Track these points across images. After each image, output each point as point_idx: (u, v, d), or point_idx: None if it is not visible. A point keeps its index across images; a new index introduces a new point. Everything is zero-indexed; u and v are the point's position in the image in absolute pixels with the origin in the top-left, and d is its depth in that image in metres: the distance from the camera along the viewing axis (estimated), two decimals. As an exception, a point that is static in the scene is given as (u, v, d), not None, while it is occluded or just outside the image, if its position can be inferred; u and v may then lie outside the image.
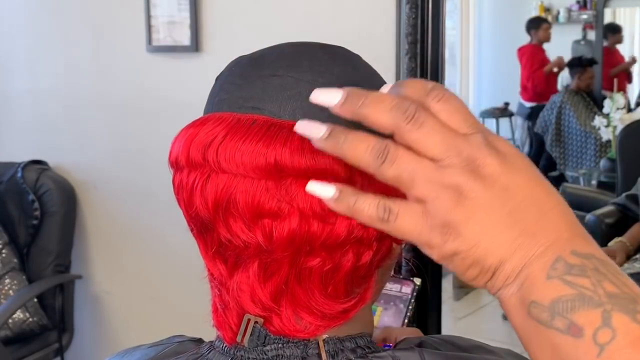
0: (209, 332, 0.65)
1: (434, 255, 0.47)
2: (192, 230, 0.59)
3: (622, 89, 4.73)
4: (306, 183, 0.52)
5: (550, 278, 0.43)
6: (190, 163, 0.55)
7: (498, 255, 0.45)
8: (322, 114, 0.54)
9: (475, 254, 0.45)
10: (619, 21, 5.51)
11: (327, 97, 0.48)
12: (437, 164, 0.45)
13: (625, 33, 5.42)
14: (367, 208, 0.47)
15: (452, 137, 0.45)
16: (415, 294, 1.16)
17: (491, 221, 0.45)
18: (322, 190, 0.50)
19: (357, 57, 0.61)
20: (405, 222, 0.46)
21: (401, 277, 1.18)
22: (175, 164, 0.57)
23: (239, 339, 0.57)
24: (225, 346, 0.60)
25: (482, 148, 0.45)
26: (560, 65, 5.15)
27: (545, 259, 0.44)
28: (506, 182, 0.45)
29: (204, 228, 0.57)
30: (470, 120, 0.46)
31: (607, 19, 5.51)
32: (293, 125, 0.53)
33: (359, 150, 0.46)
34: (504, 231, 0.45)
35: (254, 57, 0.60)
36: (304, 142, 0.53)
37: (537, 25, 5.16)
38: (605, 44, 5.30)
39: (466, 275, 0.47)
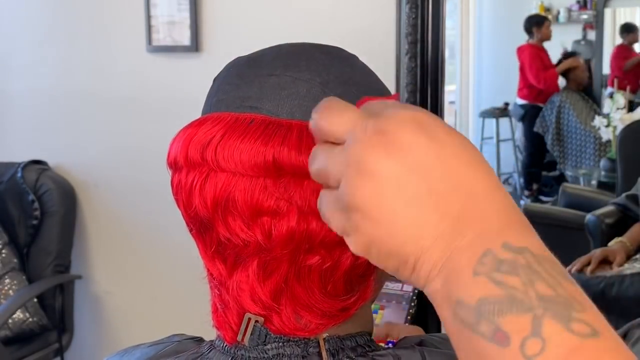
0: (209, 332, 0.65)
1: (352, 246, 0.41)
2: (191, 230, 0.59)
3: (635, 88, 4.73)
4: (304, 181, 0.53)
5: (477, 275, 0.37)
6: (188, 163, 0.56)
7: (416, 242, 0.39)
8: None
9: (390, 241, 0.39)
10: (619, 21, 5.52)
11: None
12: (345, 145, 0.41)
13: (626, 33, 5.42)
14: (318, 203, 0.45)
15: (360, 115, 0.41)
16: (416, 291, 1.16)
17: (404, 200, 0.39)
18: None
19: (354, 57, 0.61)
20: (323, 209, 0.43)
21: None
22: (173, 165, 0.57)
23: (239, 338, 0.57)
24: (226, 345, 0.60)
25: (394, 120, 0.40)
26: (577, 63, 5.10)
27: (472, 252, 0.38)
28: (424, 155, 0.39)
29: (203, 228, 0.57)
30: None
31: (607, 19, 5.52)
32: (291, 123, 0.53)
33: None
34: (421, 212, 0.39)
35: (252, 57, 0.60)
36: (302, 140, 0.53)
37: (540, 23, 5.14)
38: (621, 42, 5.30)
39: (388, 268, 0.41)
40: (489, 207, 0.39)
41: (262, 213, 0.54)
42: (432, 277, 0.39)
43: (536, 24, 5.12)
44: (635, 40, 5.28)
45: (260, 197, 0.53)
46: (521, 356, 0.35)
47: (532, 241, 0.39)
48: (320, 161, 0.43)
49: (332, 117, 0.42)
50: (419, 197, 0.39)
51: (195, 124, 0.57)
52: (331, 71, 0.57)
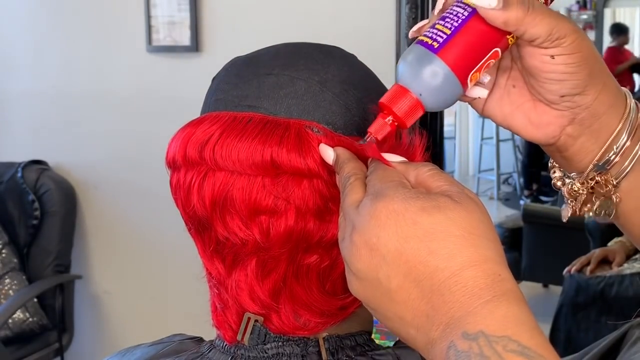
0: (208, 332, 0.65)
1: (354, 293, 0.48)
2: (189, 229, 0.59)
3: (632, 88, 4.72)
4: (302, 180, 0.53)
5: None
6: (187, 162, 0.56)
7: (405, 332, 0.44)
8: (318, 112, 0.54)
9: (383, 320, 0.46)
10: (619, 21, 5.51)
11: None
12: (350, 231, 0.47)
13: (626, 33, 5.41)
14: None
15: (350, 206, 0.48)
16: None
17: (382, 297, 0.45)
18: None
19: (352, 57, 0.61)
20: (342, 251, 0.48)
21: None
22: (172, 164, 0.57)
23: (239, 337, 0.57)
24: (226, 345, 0.60)
25: (364, 223, 0.45)
26: None
27: (441, 345, 0.42)
28: (394, 249, 0.44)
29: (201, 227, 0.57)
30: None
31: (607, 19, 5.52)
32: (289, 122, 0.53)
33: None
34: (400, 308, 0.44)
35: (250, 57, 0.60)
36: (300, 139, 0.53)
37: None
38: (613, 44, 5.30)
39: (387, 325, 0.47)
40: (450, 294, 0.42)
41: (260, 212, 0.54)
42: (425, 349, 0.44)
43: None
44: (626, 42, 5.27)
45: (259, 196, 0.53)
46: None
47: (489, 320, 0.41)
48: (345, 229, 0.48)
49: (344, 190, 0.49)
50: (393, 293, 0.44)
51: (194, 123, 0.57)
52: (329, 70, 0.57)
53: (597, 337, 0.72)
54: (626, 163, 0.55)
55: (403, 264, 0.43)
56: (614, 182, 0.55)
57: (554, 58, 0.51)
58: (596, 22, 5.52)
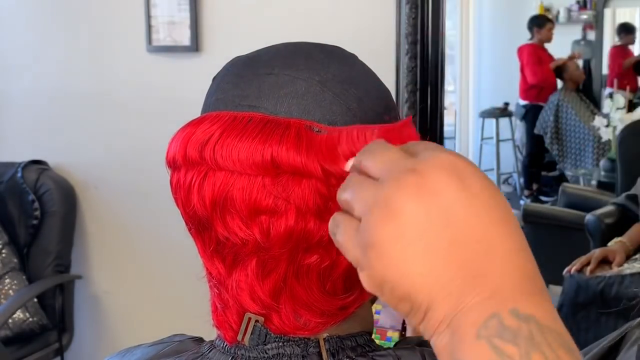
0: (208, 332, 0.65)
1: (364, 280, 0.41)
2: (189, 229, 0.59)
3: (634, 87, 4.73)
4: (302, 180, 0.53)
5: (479, 338, 0.37)
6: (187, 162, 0.56)
7: (429, 292, 0.39)
8: (318, 111, 0.54)
9: (404, 284, 0.39)
10: (619, 21, 5.52)
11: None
12: (379, 181, 0.41)
13: (626, 33, 5.42)
14: (329, 223, 0.45)
15: (397, 154, 0.42)
16: None
17: (424, 246, 0.39)
18: None
19: (353, 56, 0.61)
20: (342, 237, 0.43)
21: None
22: (172, 164, 0.57)
23: (239, 337, 0.57)
24: (226, 345, 0.60)
25: (430, 163, 0.40)
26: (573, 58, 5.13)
27: (479, 312, 0.38)
28: (453, 204, 0.39)
29: (201, 227, 0.57)
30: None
31: (607, 19, 5.52)
32: (289, 122, 0.53)
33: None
34: (438, 262, 0.39)
35: (250, 56, 0.60)
36: (300, 139, 0.53)
37: (542, 24, 5.15)
38: (618, 43, 5.30)
39: (399, 310, 0.41)
40: (506, 270, 0.39)
41: (261, 212, 0.54)
42: (439, 331, 0.39)
43: (537, 24, 5.13)
44: (632, 42, 5.28)
45: (259, 196, 0.53)
46: None
47: (542, 310, 0.39)
48: (351, 192, 0.43)
49: (374, 155, 0.43)
50: (439, 246, 0.39)
51: (194, 123, 0.57)
52: (330, 70, 0.57)
53: (597, 337, 0.72)
54: None
55: (482, 223, 0.39)
56: None
57: None
58: (596, 22, 5.52)
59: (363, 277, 0.41)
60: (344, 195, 0.43)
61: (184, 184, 0.56)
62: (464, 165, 0.41)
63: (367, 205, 0.41)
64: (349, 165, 0.51)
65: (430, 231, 0.39)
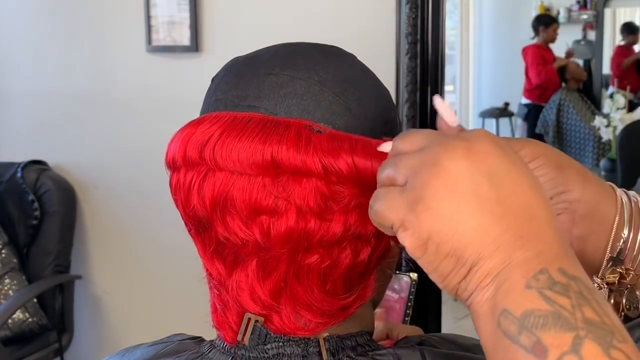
0: (208, 332, 0.65)
1: (407, 241, 0.42)
2: (189, 230, 0.59)
3: (635, 87, 4.73)
4: (302, 180, 0.53)
5: (529, 288, 0.38)
6: (187, 162, 0.56)
7: (479, 246, 0.40)
8: (318, 111, 0.54)
9: (452, 239, 0.40)
10: (619, 21, 5.52)
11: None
12: (421, 150, 0.43)
13: (626, 33, 5.42)
14: (372, 199, 0.45)
15: (435, 133, 0.45)
16: (413, 289, 1.16)
17: (474, 202, 0.40)
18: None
19: (351, 56, 0.61)
20: (382, 204, 0.43)
21: (397, 272, 1.18)
22: (172, 164, 0.57)
23: (239, 338, 0.57)
24: (226, 345, 0.60)
25: (475, 133, 0.43)
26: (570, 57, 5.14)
27: (528, 267, 0.39)
28: (499, 166, 0.41)
29: (201, 227, 0.57)
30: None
31: (607, 19, 5.52)
32: (289, 122, 0.53)
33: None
34: (488, 219, 0.40)
35: (249, 57, 0.60)
36: (300, 139, 0.53)
37: (548, 23, 5.16)
38: (622, 42, 5.31)
39: (440, 268, 0.41)
40: (548, 233, 0.41)
41: (261, 212, 0.54)
42: (483, 285, 0.40)
43: (544, 23, 5.14)
44: (636, 42, 5.28)
45: (259, 196, 0.53)
46: None
47: (584, 275, 0.40)
48: (393, 165, 0.44)
49: (411, 135, 0.45)
50: (489, 202, 0.40)
51: (193, 124, 0.56)
52: (329, 70, 0.57)
53: (598, 337, 0.72)
54: (634, 251, 0.55)
55: (524, 189, 0.41)
56: (636, 272, 0.55)
57: None
58: (596, 22, 5.52)
59: (406, 237, 0.42)
60: (385, 171, 0.44)
61: (184, 184, 0.56)
62: (501, 140, 0.43)
63: (413, 168, 0.42)
64: (385, 146, 0.51)
65: (481, 188, 0.40)
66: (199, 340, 0.67)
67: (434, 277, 0.43)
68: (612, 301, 0.56)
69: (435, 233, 0.40)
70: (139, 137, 2.22)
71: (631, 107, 3.98)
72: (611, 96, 4.13)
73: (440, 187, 0.40)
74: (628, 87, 4.34)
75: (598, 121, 3.86)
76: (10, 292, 2.23)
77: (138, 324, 2.34)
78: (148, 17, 2.12)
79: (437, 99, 0.52)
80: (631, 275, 0.55)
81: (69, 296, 2.32)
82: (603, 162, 3.90)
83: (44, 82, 2.39)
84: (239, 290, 0.56)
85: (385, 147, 0.50)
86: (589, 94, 5.16)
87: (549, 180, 0.53)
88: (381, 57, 1.72)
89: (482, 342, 0.41)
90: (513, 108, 5.44)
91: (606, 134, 3.75)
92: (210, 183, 0.55)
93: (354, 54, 0.62)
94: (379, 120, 0.57)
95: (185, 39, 2.07)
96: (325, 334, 0.57)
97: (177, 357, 0.63)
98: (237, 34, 2.00)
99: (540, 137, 4.93)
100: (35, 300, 2.23)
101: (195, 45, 2.05)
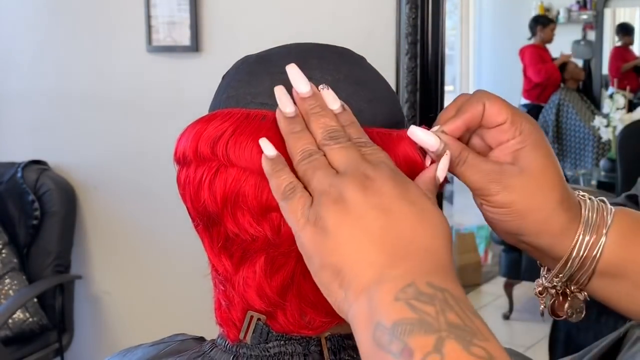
0: (209, 332, 0.65)
1: (300, 240, 0.49)
2: (197, 225, 0.59)
3: (634, 87, 4.74)
4: None
5: (397, 300, 0.42)
6: (198, 157, 0.55)
7: (353, 263, 0.45)
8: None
9: (335, 257, 0.46)
10: (619, 21, 5.52)
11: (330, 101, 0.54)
12: (339, 173, 0.49)
13: (626, 33, 5.42)
14: (282, 180, 0.51)
15: (357, 157, 0.50)
16: None
17: (358, 227, 0.46)
18: (266, 147, 0.53)
19: (362, 58, 0.61)
20: (295, 203, 0.49)
21: None
22: (182, 159, 0.57)
23: (241, 336, 0.57)
24: (228, 344, 0.60)
25: (381, 170, 0.49)
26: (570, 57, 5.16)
27: (398, 281, 0.43)
28: (391, 203, 0.47)
29: (210, 222, 0.57)
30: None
31: (607, 19, 5.53)
32: None
33: (297, 149, 0.52)
34: (368, 242, 0.46)
35: (261, 55, 0.60)
36: None
37: (546, 23, 5.16)
38: (619, 43, 5.32)
39: (320, 279, 0.48)
40: (425, 256, 0.45)
41: (272, 209, 0.54)
42: (358, 298, 0.44)
43: (541, 23, 5.14)
44: (631, 43, 5.29)
45: (271, 194, 0.53)
46: None
47: (454, 286, 0.44)
48: (314, 169, 0.50)
49: (346, 150, 0.51)
50: (372, 230, 0.46)
51: (205, 120, 0.56)
52: (342, 70, 0.57)
53: (597, 337, 0.72)
54: (582, 272, 0.58)
55: (411, 221, 0.47)
56: (576, 289, 0.60)
57: (488, 205, 0.58)
58: (596, 22, 5.52)
59: (299, 239, 0.49)
60: (305, 167, 0.51)
61: (194, 179, 0.56)
62: (410, 183, 0.49)
63: (324, 188, 0.49)
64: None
65: (367, 218, 0.46)
66: (200, 339, 0.67)
67: (317, 280, 0.48)
68: (554, 303, 0.61)
69: (321, 248, 0.47)
70: (139, 137, 2.22)
71: (631, 107, 3.98)
72: (611, 96, 4.13)
73: (333, 213, 0.47)
74: (628, 87, 4.35)
75: (598, 121, 3.86)
76: (10, 292, 2.23)
77: (138, 324, 2.34)
78: (148, 17, 2.12)
79: (411, 130, 0.56)
80: (573, 296, 0.60)
81: (69, 296, 2.32)
82: (603, 162, 3.90)
83: (44, 82, 2.39)
84: (245, 286, 0.56)
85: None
86: (589, 94, 5.16)
87: (516, 227, 0.57)
88: (381, 57, 1.72)
89: (360, 353, 0.44)
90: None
91: (606, 134, 3.75)
92: (222, 179, 0.55)
93: (362, 55, 0.62)
94: (388, 122, 0.57)
95: (185, 39, 2.07)
96: (327, 333, 0.58)
97: (178, 356, 0.63)
98: (237, 34, 2.00)
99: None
100: (35, 300, 2.23)
101: (195, 45, 2.05)
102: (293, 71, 0.54)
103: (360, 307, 0.44)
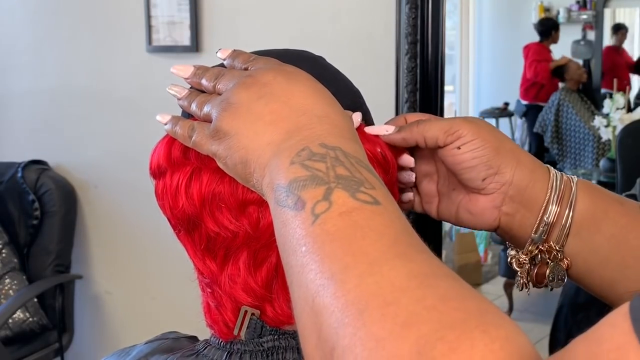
0: (208, 332, 0.65)
1: (217, 158, 0.53)
2: (178, 233, 0.61)
3: (622, 88, 4.73)
4: None
5: (292, 163, 0.47)
6: (172, 164, 0.58)
7: (254, 150, 0.50)
8: None
9: (240, 151, 0.51)
10: (619, 21, 5.52)
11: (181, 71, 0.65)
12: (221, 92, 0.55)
13: (626, 33, 5.42)
14: (181, 129, 0.57)
15: (239, 73, 0.56)
16: None
17: (251, 119, 0.51)
18: (162, 120, 0.63)
19: (321, 58, 0.65)
20: (199, 137, 0.54)
21: None
22: (157, 170, 0.60)
23: (235, 332, 0.58)
24: (221, 342, 0.60)
25: (259, 68, 0.55)
26: (566, 61, 5.18)
27: (292, 149, 0.47)
28: (276, 88, 0.52)
29: (191, 226, 0.58)
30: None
31: (607, 19, 5.52)
32: None
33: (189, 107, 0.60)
34: (261, 127, 0.50)
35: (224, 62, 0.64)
36: None
37: (557, 26, 5.24)
38: (613, 43, 5.33)
39: (238, 176, 0.52)
40: (319, 121, 0.50)
41: (249, 203, 0.56)
42: (263, 174, 0.49)
43: (554, 27, 5.21)
44: (623, 39, 5.31)
45: (246, 188, 0.55)
46: (311, 214, 0.44)
47: (348, 144, 0.48)
48: (200, 102, 0.57)
49: (223, 75, 0.58)
50: (261, 116, 0.51)
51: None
52: (302, 69, 0.58)
53: (597, 337, 0.72)
54: (560, 229, 0.60)
55: (299, 94, 0.53)
56: (557, 248, 0.61)
57: (460, 149, 0.60)
58: (596, 22, 5.52)
59: (217, 160, 0.54)
60: (200, 101, 0.57)
61: (170, 187, 0.58)
62: (290, 67, 0.55)
63: (212, 106, 0.54)
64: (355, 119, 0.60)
65: (255, 108, 0.51)
66: (192, 338, 0.68)
67: (242, 183, 0.53)
68: (536, 271, 0.63)
69: (229, 152, 0.52)
70: (139, 137, 2.22)
71: (630, 107, 3.98)
72: (611, 96, 4.13)
73: (227, 118, 0.52)
74: (627, 88, 4.35)
75: (598, 121, 3.86)
76: (10, 292, 2.23)
77: (138, 323, 2.34)
78: (148, 17, 2.12)
79: (368, 130, 0.60)
80: (552, 253, 0.61)
81: (69, 296, 2.32)
82: (603, 162, 3.90)
83: (44, 82, 2.39)
84: (232, 283, 0.57)
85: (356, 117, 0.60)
86: (589, 94, 5.16)
87: (485, 161, 0.59)
88: (381, 57, 1.72)
89: (274, 223, 0.48)
90: (513, 108, 5.44)
91: (606, 134, 3.75)
92: (197, 181, 0.57)
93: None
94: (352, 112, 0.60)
95: (185, 39, 2.07)
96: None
97: (172, 354, 0.63)
98: (238, 34, 2.01)
99: (539, 137, 4.93)
100: (35, 300, 2.23)
101: (195, 45, 2.05)
102: (177, 68, 0.66)
103: (265, 180, 0.49)
